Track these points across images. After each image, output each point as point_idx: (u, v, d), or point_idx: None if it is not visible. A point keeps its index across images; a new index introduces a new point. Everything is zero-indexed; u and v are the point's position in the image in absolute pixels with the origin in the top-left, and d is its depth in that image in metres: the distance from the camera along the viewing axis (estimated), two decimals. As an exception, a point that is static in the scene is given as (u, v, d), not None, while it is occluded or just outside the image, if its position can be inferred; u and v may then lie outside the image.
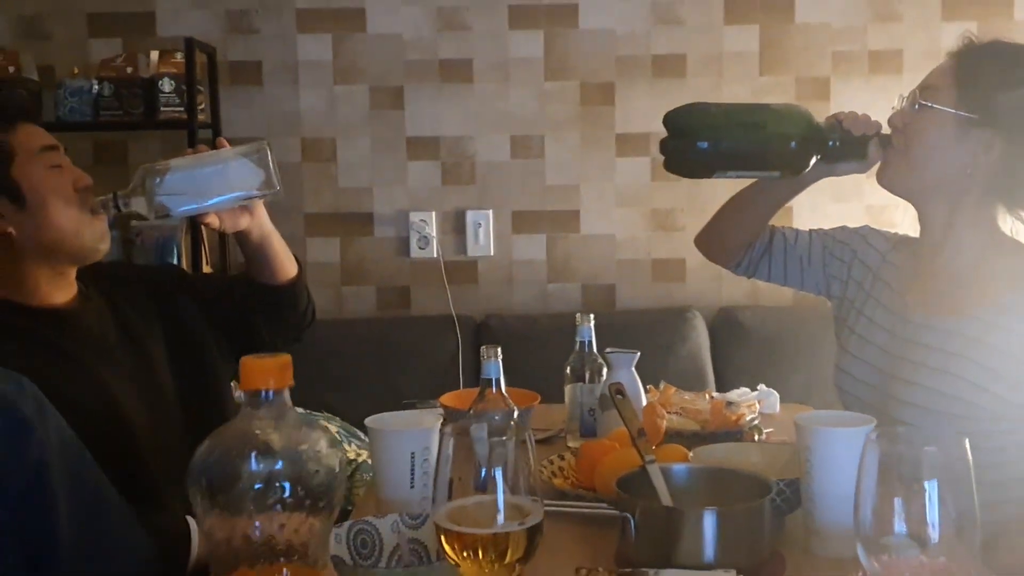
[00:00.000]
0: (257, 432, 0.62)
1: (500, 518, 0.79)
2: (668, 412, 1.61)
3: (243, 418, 0.63)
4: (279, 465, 0.62)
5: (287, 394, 0.64)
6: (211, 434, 0.62)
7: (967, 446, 0.77)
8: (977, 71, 1.32)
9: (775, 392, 1.81)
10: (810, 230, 1.56)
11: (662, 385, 1.78)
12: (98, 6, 2.79)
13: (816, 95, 2.78)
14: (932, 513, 0.76)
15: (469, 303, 2.85)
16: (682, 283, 2.87)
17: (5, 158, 1.30)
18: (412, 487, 1.17)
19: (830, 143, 1.35)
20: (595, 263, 2.88)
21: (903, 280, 1.43)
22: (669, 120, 1.32)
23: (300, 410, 0.66)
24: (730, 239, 1.56)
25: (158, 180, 1.31)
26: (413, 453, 1.17)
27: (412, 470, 1.17)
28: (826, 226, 1.58)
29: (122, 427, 1.31)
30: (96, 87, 2.57)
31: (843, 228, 1.55)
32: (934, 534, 0.76)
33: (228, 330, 1.53)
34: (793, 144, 1.32)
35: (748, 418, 1.64)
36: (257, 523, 0.61)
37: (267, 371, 0.61)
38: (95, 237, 1.35)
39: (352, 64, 2.82)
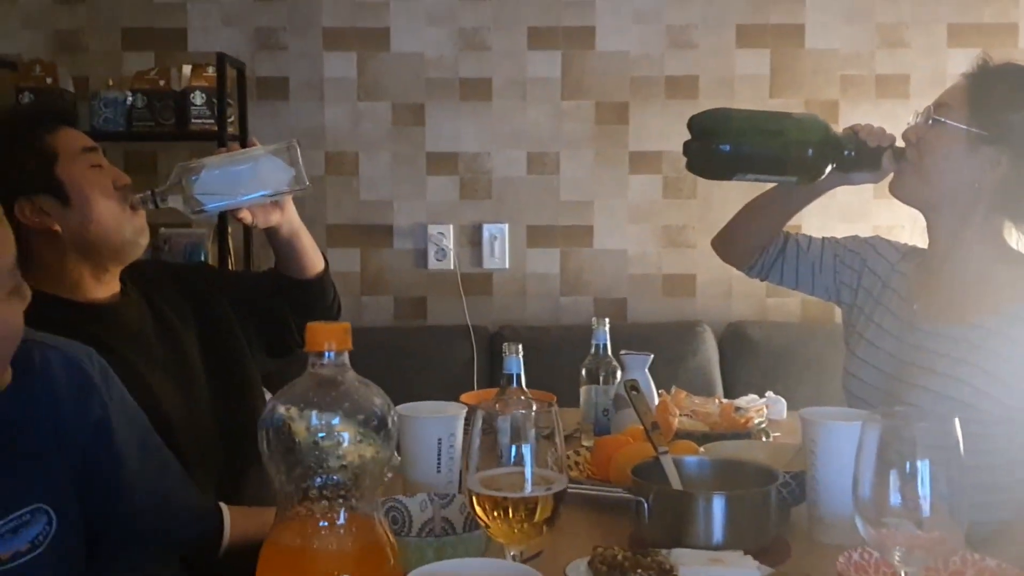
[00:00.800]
0: (319, 387, 0.69)
1: (528, 487, 0.85)
2: (679, 414, 1.67)
3: (308, 375, 0.70)
4: (336, 420, 0.69)
5: (347, 357, 0.71)
6: (286, 386, 0.70)
7: (958, 426, 0.83)
8: (989, 91, 1.38)
9: (783, 399, 1.86)
10: (823, 238, 1.61)
11: (673, 389, 1.83)
12: (132, 21, 2.89)
13: (825, 118, 2.82)
14: (924, 489, 0.83)
15: (484, 314, 2.92)
16: (692, 298, 2.92)
17: (49, 158, 1.36)
18: (439, 471, 1.23)
19: (846, 152, 1.40)
20: (607, 277, 2.94)
21: (912, 289, 1.48)
22: (694, 123, 1.36)
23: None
24: (745, 242, 1.61)
25: (194, 178, 1.39)
26: (440, 439, 1.23)
27: (439, 455, 1.23)
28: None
29: (160, 421, 1.34)
30: (130, 99, 2.66)
31: (854, 237, 1.61)
32: (926, 507, 0.82)
33: (258, 325, 1.59)
34: (810, 152, 1.38)
35: (756, 422, 1.68)
36: (319, 475, 0.68)
37: (330, 333, 0.69)
38: (135, 231, 1.41)
39: (375, 81, 2.91)
